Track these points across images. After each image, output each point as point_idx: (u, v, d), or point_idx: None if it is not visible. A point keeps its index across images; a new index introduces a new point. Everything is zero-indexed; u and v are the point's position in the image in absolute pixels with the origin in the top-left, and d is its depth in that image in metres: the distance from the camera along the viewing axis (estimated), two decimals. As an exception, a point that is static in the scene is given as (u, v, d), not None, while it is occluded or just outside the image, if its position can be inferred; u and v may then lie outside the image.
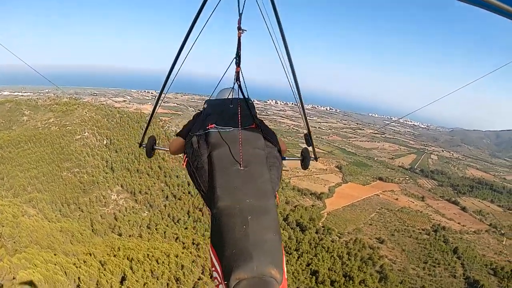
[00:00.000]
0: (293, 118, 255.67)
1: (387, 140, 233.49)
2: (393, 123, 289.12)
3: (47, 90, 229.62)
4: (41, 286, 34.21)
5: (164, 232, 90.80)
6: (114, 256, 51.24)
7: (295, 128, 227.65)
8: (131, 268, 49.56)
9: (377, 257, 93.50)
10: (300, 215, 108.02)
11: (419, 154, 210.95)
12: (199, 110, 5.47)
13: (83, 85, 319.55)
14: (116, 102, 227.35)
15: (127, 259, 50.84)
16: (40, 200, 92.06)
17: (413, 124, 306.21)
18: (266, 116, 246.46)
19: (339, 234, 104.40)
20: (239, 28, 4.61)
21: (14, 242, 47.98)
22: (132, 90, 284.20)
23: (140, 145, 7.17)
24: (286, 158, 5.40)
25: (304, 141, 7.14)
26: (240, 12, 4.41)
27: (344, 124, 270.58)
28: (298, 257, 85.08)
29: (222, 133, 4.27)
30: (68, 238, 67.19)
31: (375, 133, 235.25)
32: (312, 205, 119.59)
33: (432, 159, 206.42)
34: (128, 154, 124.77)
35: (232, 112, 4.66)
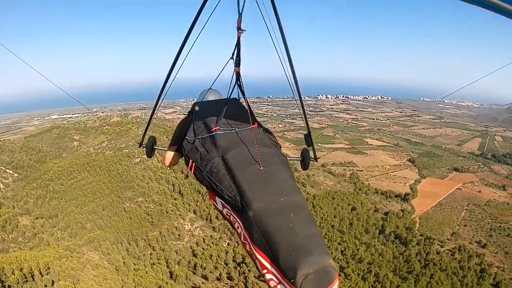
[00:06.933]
0: (348, 111, 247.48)
1: (447, 125, 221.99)
2: (447, 106, 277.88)
3: (95, 109, 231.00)
4: None
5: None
6: None
7: (354, 122, 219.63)
8: None
9: (486, 265, 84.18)
10: (395, 225, 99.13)
11: (484, 137, 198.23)
12: (184, 114, 5.19)
13: (130, 100, 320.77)
14: (166, 114, 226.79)
15: None
16: (102, 239, 79.60)
17: (467, 105, 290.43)
18: (322, 112, 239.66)
19: (440, 243, 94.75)
20: (238, 29, 4.12)
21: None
22: (181, 100, 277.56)
23: (140, 145, 6.36)
24: (287, 158, 4.53)
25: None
26: (240, 12, 3.95)
27: (400, 112, 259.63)
28: (415, 282, 75.36)
29: (229, 135, 4.13)
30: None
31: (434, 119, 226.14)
32: (402, 210, 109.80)
33: (498, 141, 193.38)
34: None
35: (230, 112, 4.49)
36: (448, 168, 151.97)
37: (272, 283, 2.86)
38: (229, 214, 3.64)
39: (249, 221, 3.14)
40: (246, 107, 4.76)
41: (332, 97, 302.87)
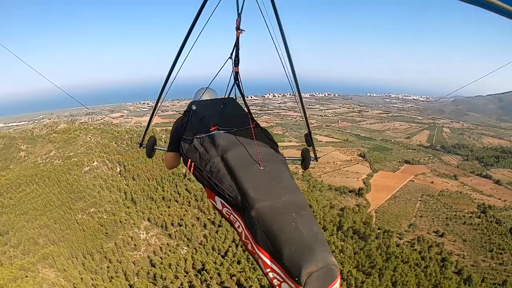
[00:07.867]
0: (296, 109, 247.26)
1: (395, 119, 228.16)
2: (394, 100, 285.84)
3: (41, 116, 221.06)
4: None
5: (219, 275, 74.06)
6: None
7: (302, 120, 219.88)
8: None
9: (446, 253, 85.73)
10: (352, 220, 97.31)
11: (432, 129, 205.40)
12: (180, 113, 5.02)
13: (76, 105, 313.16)
14: (113, 118, 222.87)
15: None
16: (57, 255, 74.90)
17: (413, 98, 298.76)
18: (270, 111, 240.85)
19: (398, 235, 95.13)
20: (237, 28, 4.17)
21: None
22: (128, 103, 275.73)
23: (141, 145, 6.52)
24: (286, 158, 4.50)
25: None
26: (239, 12, 4.03)
27: (348, 108, 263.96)
28: (380, 276, 73.16)
29: (228, 134, 4.06)
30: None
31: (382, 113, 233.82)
32: (358, 205, 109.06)
33: (446, 132, 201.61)
34: (148, 180, 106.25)
35: (228, 112, 4.50)
36: (399, 161, 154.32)
37: (275, 282, 2.89)
38: (229, 214, 3.61)
39: (251, 221, 3.14)
40: (244, 107, 4.77)
41: (279, 95, 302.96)
